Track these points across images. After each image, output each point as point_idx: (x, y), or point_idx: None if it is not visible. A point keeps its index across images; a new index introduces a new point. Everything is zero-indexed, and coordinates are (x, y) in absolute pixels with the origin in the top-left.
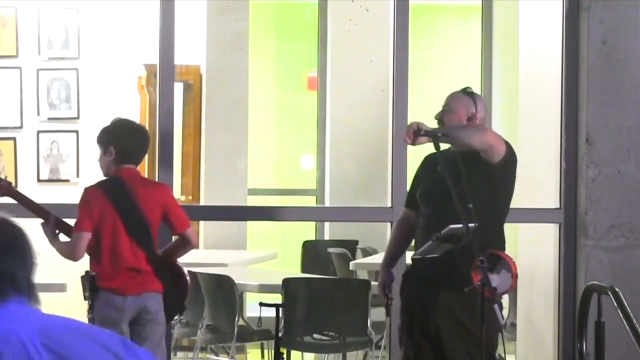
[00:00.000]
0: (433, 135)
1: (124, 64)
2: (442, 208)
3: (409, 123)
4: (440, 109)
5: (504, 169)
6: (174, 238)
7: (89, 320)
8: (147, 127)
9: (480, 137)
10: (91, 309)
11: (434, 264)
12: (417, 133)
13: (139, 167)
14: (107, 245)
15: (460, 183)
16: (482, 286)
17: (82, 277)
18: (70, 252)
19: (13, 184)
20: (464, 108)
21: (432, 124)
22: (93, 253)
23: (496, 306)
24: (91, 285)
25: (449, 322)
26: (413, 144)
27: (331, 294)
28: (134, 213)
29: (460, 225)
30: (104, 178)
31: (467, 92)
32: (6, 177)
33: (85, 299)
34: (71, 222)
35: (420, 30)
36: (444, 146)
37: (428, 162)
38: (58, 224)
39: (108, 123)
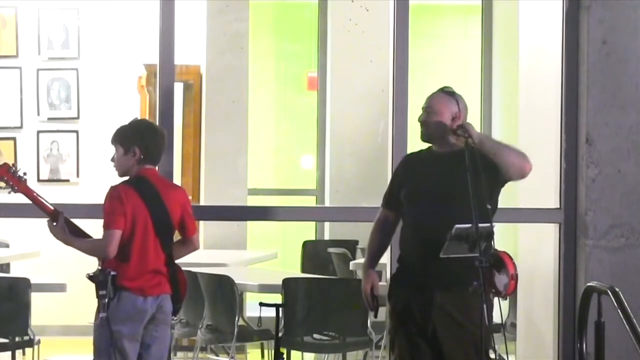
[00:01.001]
0: (464, 135)
1: (124, 64)
2: (437, 207)
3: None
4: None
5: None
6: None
7: (102, 319)
8: None
9: (521, 165)
10: (105, 308)
11: (425, 264)
12: (458, 130)
13: None
14: (137, 245)
15: (479, 184)
16: (482, 285)
17: (95, 276)
18: (103, 250)
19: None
20: (447, 108)
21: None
22: (118, 251)
23: (484, 306)
24: (112, 284)
25: (447, 322)
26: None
27: (331, 294)
28: (163, 215)
29: (468, 225)
30: (127, 178)
31: (447, 91)
32: (25, 173)
33: (98, 297)
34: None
35: (420, 30)
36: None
37: (410, 162)
38: (66, 224)
39: (125, 123)
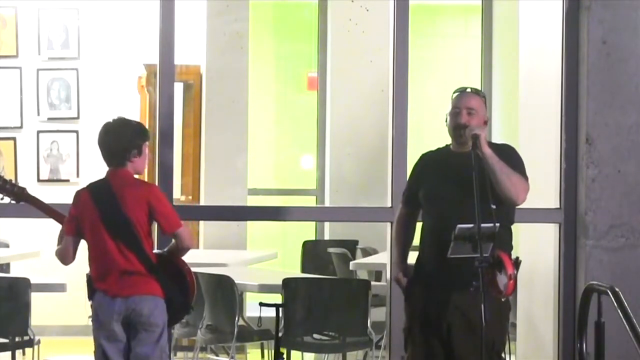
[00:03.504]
0: (476, 148)
1: (124, 64)
2: (455, 208)
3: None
4: (440, 109)
5: None
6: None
7: (91, 320)
8: (146, 127)
9: (515, 194)
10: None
11: (443, 265)
12: (471, 135)
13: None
14: (93, 247)
15: (484, 185)
16: (482, 285)
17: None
18: (60, 256)
19: (26, 189)
20: (484, 112)
21: (436, 122)
22: (88, 255)
23: (482, 306)
24: (88, 286)
25: (462, 323)
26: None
27: (331, 294)
28: (115, 215)
29: (470, 225)
30: (96, 179)
31: (481, 93)
32: (10, 180)
33: (89, 299)
34: None
35: (420, 30)
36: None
37: (428, 162)
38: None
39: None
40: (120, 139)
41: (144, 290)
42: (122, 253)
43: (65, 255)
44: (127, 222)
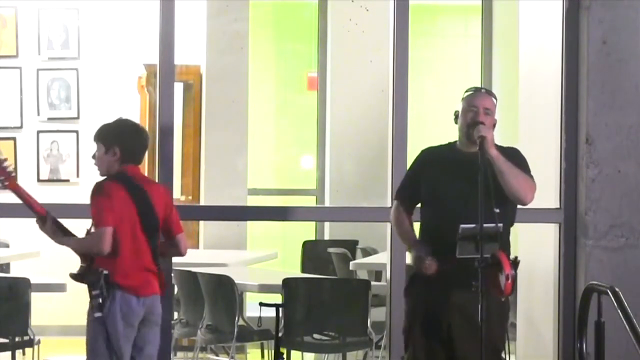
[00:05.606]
0: (483, 150)
1: (124, 64)
2: (459, 208)
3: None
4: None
5: None
6: None
7: (98, 319)
8: (147, 127)
9: (523, 194)
10: (100, 308)
11: (443, 263)
12: (478, 136)
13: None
14: (127, 242)
15: (489, 186)
16: (481, 285)
17: (84, 275)
18: (97, 249)
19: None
20: (495, 110)
21: (436, 123)
22: (111, 249)
23: (479, 306)
24: (106, 282)
25: (463, 322)
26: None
27: (331, 294)
28: (149, 211)
29: (472, 225)
30: (113, 174)
31: (494, 95)
32: (13, 169)
33: (92, 297)
34: (69, 222)
35: (420, 30)
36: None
37: (431, 158)
38: (54, 224)
39: (108, 121)
40: (147, 138)
41: (157, 289)
42: (147, 249)
43: (105, 247)
44: (156, 220)
